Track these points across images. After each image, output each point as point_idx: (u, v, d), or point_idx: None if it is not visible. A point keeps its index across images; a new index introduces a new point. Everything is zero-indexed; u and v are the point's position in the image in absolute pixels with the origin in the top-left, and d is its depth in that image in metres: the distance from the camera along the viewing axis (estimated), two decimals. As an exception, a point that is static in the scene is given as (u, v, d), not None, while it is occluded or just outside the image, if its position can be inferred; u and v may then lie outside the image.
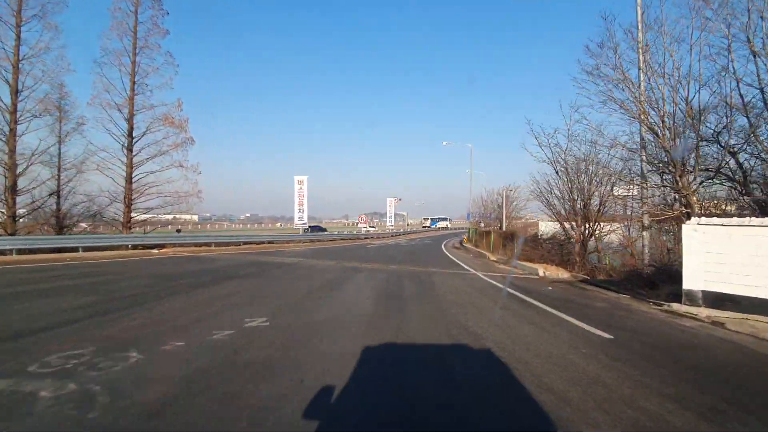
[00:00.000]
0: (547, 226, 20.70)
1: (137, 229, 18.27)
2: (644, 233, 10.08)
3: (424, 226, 71.13)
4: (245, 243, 20.96)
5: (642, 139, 9.98)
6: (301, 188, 26.77)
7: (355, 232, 39.16)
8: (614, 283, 9.92)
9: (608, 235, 14.05)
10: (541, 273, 11.99)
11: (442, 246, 28.99)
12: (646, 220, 10.03)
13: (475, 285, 9.27)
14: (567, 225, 14.55)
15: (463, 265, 14.53)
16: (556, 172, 12.97)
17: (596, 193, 12.31)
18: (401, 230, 54.88)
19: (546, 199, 15.41)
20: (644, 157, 10.00)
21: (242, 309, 5.80)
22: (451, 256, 18.59)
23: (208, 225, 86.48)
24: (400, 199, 51.38)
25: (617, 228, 13.51)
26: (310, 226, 46.95)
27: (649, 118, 9.65)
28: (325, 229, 42.15)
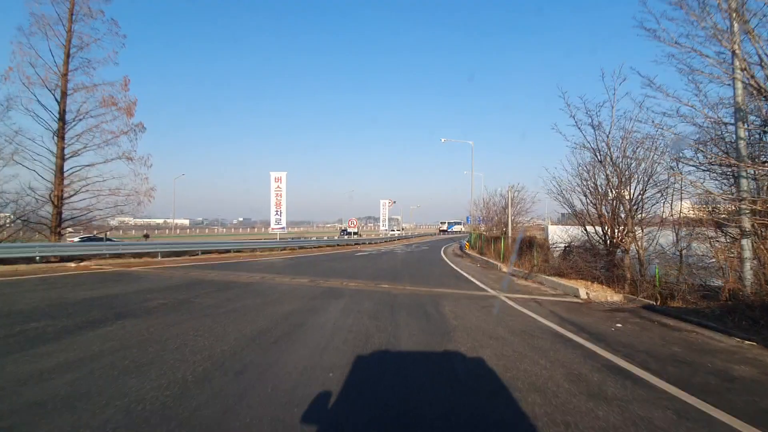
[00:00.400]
0: (565, 232, 17.64)
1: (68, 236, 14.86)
2: (744, 241, 7.02)
3: (441, 230, 73.42)
4: (206, 252, 17.43)
5: (738, 107, 6.98)
6: (278, 186, 22.85)
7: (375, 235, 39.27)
8: (702, 313, 6.85)
9: (654, 242, 10.99)
10: (583, 294, 8.92)
11: (442, 253, 25.89)
12: (747, 222, 6.98)
13: (507, 321, 6.12)
14: (597, 229, 11.55)
15: (475, 281, 11.39)
16: (599, 161, 9.91)
17: (654, 186, 9.30)
18: (396, 235, 51.74)
19: (567, 197, 12.41)
20: (742, 134, 6.99)
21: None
22: (456, 268, 15.46)
23: (194, 230, 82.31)
24: (394, 202, 48.28)
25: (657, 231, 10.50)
26: (344, 230, 46.20)
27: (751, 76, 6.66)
28: (357, 233, 43.83)
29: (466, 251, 26.33)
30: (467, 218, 39.36)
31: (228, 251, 18.27)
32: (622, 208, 9.71)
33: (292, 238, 38.34)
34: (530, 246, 14.19)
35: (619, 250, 11.27)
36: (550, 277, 10.97)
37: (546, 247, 13.50)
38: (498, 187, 52.23)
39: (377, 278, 11.21)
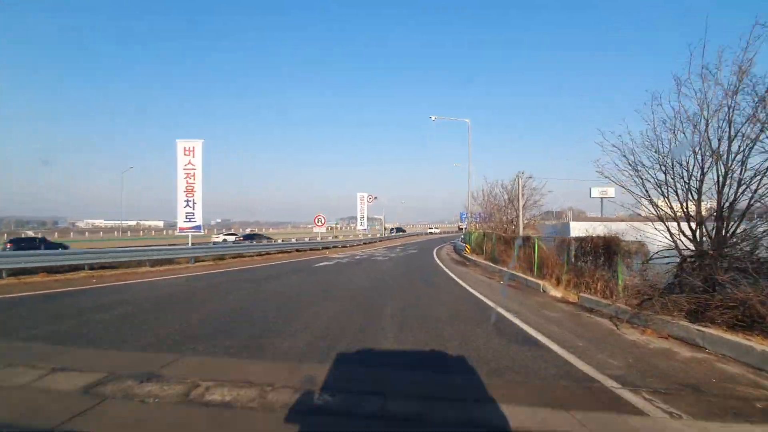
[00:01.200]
0: (593, 229, 11.73)
1: None
2: None
3: (459, 228, 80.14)
4: (39, 271, 9.83)
5: None
6: (190, 163, 14.75)
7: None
8: None
9: None
10: None
11: (436, 259, 19.68)
12: None
13: None
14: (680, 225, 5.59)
15: (548, 342, 5.08)
16: None
17: None
18: (377, 236, 45.42)
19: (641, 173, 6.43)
20: None
21: None
22: (475, 293, 9.18)
23: (164, 233, 73.40)
24: (375, 197, 41.96)
25: None
26: (395, 228, 41.45)
27: None
28: (404, 230, 40.82)
29: (468, 256, 20.16)
30: (461, 214, 33.54)
31: (96, 264, 11.03)
32: None
33: (255, 241, 31.37)
34: (607, 254, 8.08)
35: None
36: (715, 333, 4.81)
37: (644, 254, 7.38)
38: (499, 179, 46.63)
39: (319, 346, 4.80)
